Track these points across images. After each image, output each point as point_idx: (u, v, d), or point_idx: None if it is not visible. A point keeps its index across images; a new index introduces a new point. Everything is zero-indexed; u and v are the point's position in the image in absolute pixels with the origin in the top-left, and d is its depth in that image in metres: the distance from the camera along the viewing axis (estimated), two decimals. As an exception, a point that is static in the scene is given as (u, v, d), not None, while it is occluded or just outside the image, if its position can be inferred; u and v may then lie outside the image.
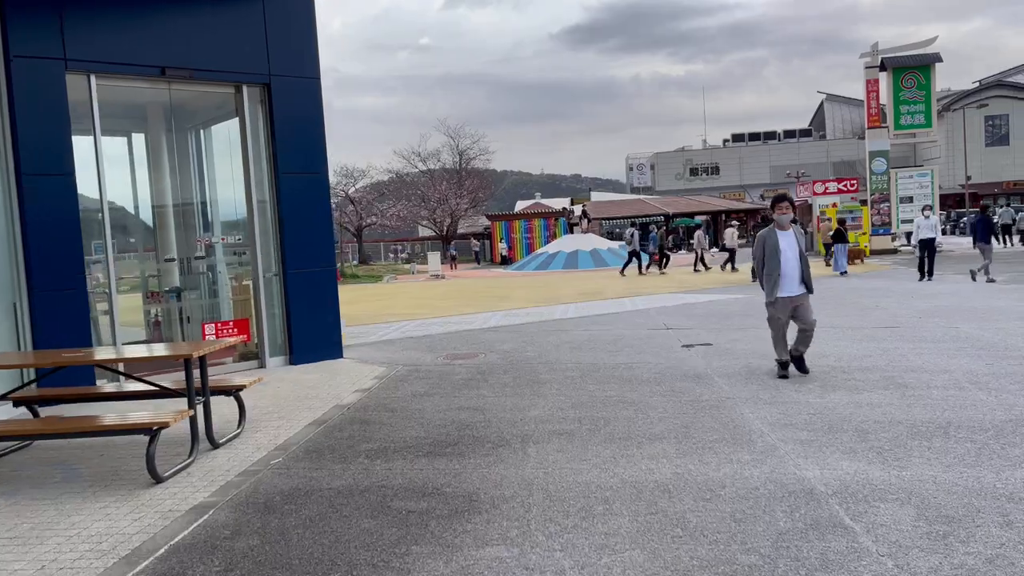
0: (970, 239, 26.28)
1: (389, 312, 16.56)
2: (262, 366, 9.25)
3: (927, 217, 18.50)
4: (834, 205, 33.52)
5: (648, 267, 27.96)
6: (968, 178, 52.62)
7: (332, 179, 51.10)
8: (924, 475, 4.57)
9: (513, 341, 10.87)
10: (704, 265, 27.66)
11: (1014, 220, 34.83)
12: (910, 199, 32.09)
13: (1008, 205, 50.10)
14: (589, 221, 40.96)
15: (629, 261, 27.73)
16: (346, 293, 26.73)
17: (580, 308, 15.42)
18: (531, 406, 6.77)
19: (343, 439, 5.96)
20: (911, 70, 32.24)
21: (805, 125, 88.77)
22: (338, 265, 40.63)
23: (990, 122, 68.83)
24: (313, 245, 9.43)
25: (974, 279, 16.73)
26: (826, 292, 15.68)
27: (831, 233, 24.13)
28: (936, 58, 32.03)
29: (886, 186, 32.85)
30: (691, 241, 46.25)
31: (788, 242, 7.74)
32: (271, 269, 9.36)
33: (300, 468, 5.26)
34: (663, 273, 26.95)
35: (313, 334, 9.45)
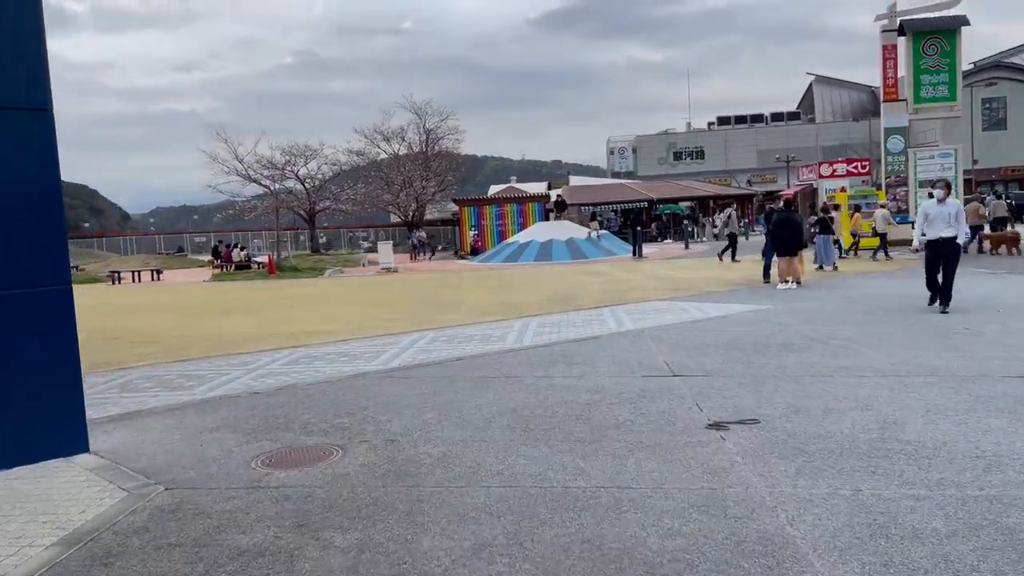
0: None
1: (283, 329, 12.10)
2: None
3: (941, 200, 10.89)
4: (842, 189, 29.41)
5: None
6: (975, 162, 48.81)
7: (279, 157, 46.23)
8: None
9: (417, 405, 6.49)
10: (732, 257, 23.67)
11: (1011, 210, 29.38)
12: (931, 183, 28.00)
13: (1004, 196, 46.25)
14: (564, 210, 36.50)
15: (730, 246, 24.22)
16: (259, 293, 22.07)
17: (544, 327, 11.07)
18: None
19: None
20: (934, 35, 28.08)
21: (792, 108, 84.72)
22: (282, 255, 35.96)
23: (987, 105, 65.28)
24: (15, 247, 4.96)
25: None
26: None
27: (815, 221, 19.95)
28: (963, 21, 27.91)
29: (903, 168, 28.77)
30: (687, 226, 42.05)
31: None
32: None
33: None
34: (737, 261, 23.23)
35: (14, 412, 5.00)
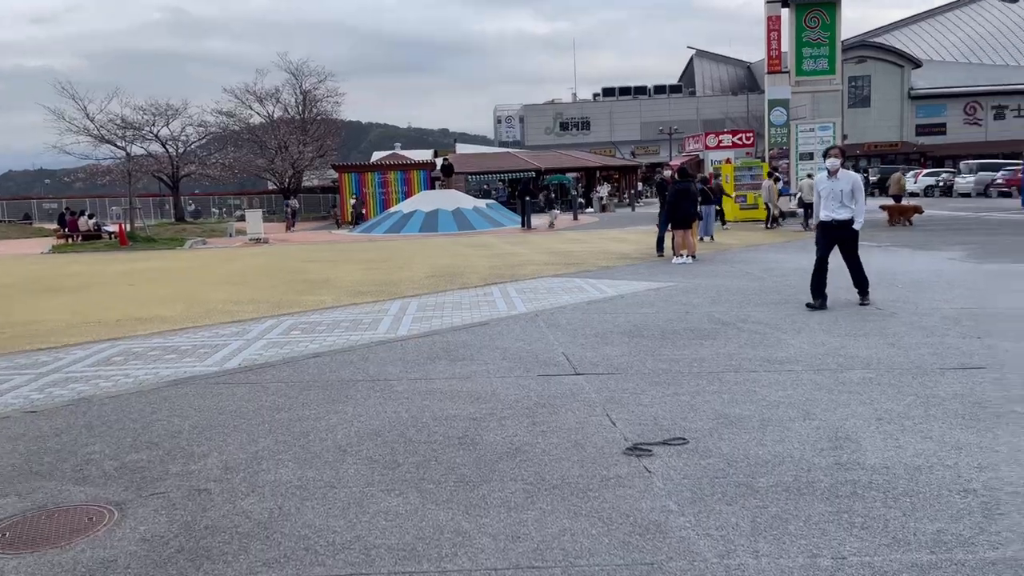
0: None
1: (107, 315, 10.10)
2: None
3: (833, 173, 8.77)
4: (728, 161, 29.37)
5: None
6: (845, 137, 50.62)
7: (137, 116, 42.21)
8: None
9: (249, 428, 4.98)
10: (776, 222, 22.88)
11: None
12: (810, 155, 28.32)
13: (865, 171, 48.35)
14: (450, 176, 34.90)
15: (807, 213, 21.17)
16: (100, 267, 19.16)
17: (425, 310, 9.66)
18: None
19: None
20: (815, 7, 28.22)
21: (674, 82, 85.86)
22: (135, 224, 32.55)
23: (853, 83, 68.11)
24: None
25: None
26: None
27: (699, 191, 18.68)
28: (844, -6, 28.15)
29: (786, 140, 28.97)
30: (575, 197, 41.32)
31: None
32: None
33: None
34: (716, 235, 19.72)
35: None
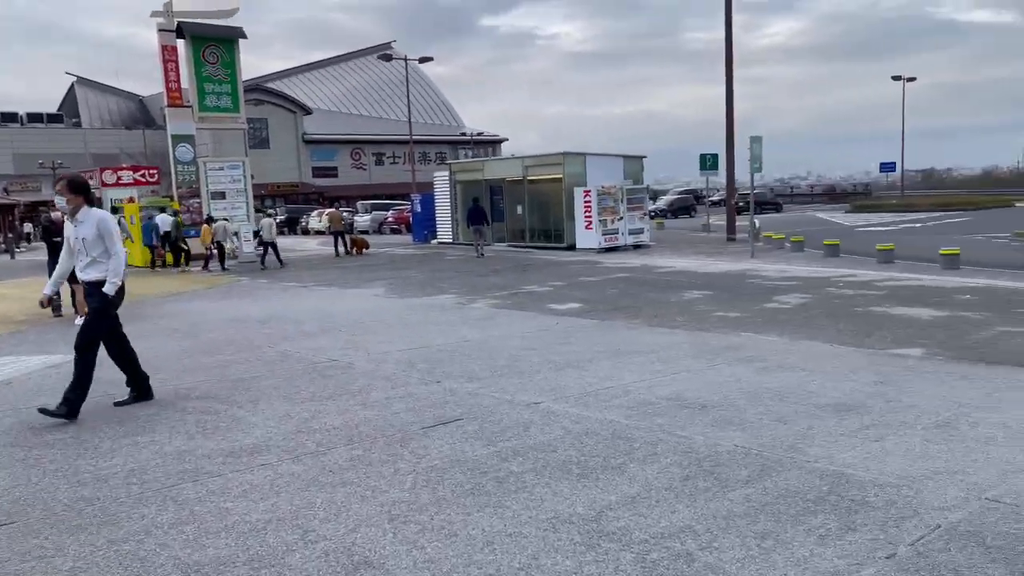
0: None
1: None
2: None
3: (72, 215, 6.15)
4: (131, 199, 26.48)
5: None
6: (252, 176, 51.09)
7: None
8: None
9: None
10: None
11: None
12: (222, 194, 27.34)
13: (275, 209, 50.17)
14: None
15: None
16: None
17: None
18: None
19: None
20: (213, 43, 27.37)
21: (54, 110, 75.57)
22: None
23: (252, 125, 69.93)
24: None
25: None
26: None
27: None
28: (240, 33, 27.92)
29: (195, 178, 27.37)
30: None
31: None
32: None
33: None
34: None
35: None
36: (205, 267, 22.36)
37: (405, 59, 43.11)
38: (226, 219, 24.41)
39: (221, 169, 27.93)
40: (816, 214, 45.94)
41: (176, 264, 23.22)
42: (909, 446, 4.67)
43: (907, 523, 3.56)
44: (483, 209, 24.75)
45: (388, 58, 46.52)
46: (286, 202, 65.43)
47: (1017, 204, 46.86)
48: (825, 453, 4.60)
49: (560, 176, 24.39)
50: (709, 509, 3.81)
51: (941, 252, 15.19)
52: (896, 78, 52.71)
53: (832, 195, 67.88)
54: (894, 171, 57.61)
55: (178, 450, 5.16)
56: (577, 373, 7.05)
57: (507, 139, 75.92)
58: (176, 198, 26.83)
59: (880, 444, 4.73)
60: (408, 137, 48.05)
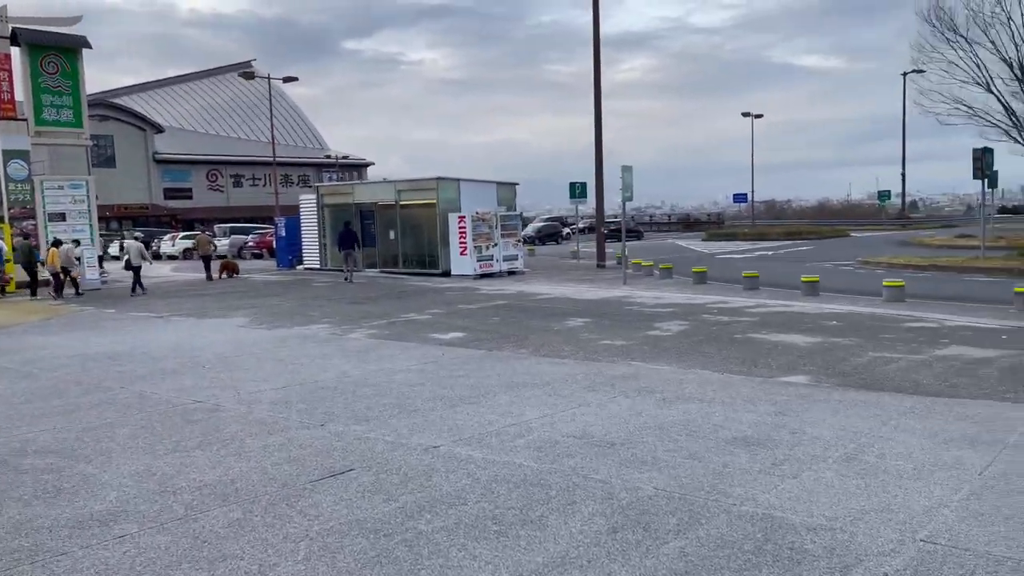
0: None
1: None
2: None
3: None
4: (-47, 221, 23.64)
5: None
6: (97, 197, 47.37)
7: None
8: None
9: None
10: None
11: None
12: (62, 216, 24.99)
13: (125, 233, 46.52)
14: None
15: None
16: None
17: None
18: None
19: None
20: (53, 52, 25.12)
21: None
22: None
23: (97, 142, 65.02)
24: None
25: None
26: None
27: None
28: (83, 42, 25.80)
29: (30, 198, 24.89)
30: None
31: None
32: None
33: None
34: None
35: None
36: (58, 294, 20.17)
37: (268, 78, 41.43)
38: (76, 241, 22.34)
39: (61, 188, 25.56)
40: (676, 241, 47.93)
41: (33, 292, 20.85)
42: (827, 482, 4.57)
43: (853, 573, 3.38)
44: (355, 233, 23.95)
45: (250, 76, 44.67)
46: (134, 225, 61.16)
47: (852, 234, 50.92)
48: (748, 494, 4.41)
49: (434, 201, 23.99)
50: (646, 567, 3.49)
51: (803, 280, 15.97)
52: (746, 115, 56.25)
53: (687, 223, 71.18)
54: (746, 201, 61.24)
55: (12, 521, 4.30)
56: (473, 409, 6.63)
57: (373, 163, 74.58)
58: (7, 219, 24.25)
59: (798, 481, 4.61)
60: (270, 159, 46.13)
